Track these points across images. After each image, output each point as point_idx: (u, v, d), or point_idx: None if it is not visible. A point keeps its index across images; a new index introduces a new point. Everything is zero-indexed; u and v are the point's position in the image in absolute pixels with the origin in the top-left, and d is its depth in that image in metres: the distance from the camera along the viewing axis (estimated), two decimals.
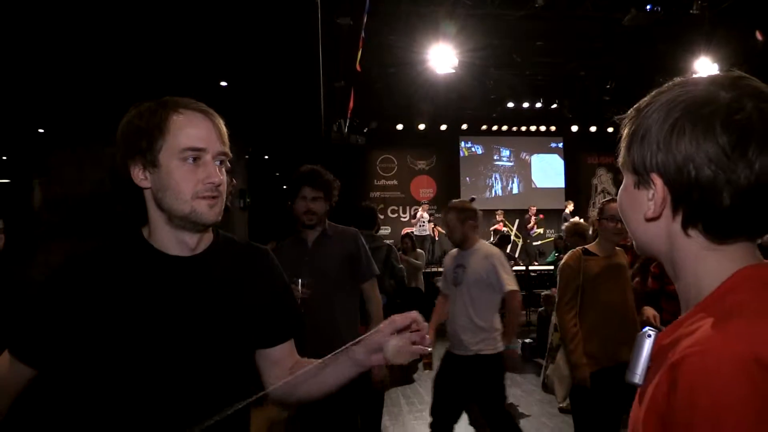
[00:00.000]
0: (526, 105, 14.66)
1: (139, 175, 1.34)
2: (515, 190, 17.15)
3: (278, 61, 7.47)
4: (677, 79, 0.89)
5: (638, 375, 0.88)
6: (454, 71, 10.62)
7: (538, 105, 14.69)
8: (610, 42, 11.42)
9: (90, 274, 1.34)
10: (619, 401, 3.51)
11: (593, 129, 15.97)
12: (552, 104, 14.79)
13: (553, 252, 11.67)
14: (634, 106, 0.93)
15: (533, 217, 15.03)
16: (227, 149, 1.38)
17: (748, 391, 0.68)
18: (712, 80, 0.85)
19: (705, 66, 11.04)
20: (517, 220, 16.20)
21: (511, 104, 14.60)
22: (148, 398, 1.31)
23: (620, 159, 0.94)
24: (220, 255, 1.46)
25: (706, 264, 0.85)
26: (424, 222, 14.46)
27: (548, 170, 17.22)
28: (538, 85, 13.91)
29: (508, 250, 9.61)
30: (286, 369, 1.53)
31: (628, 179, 0.93)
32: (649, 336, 0.89)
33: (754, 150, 0.78)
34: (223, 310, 1.40)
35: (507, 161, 17.16)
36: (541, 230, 15.74)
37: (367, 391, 3.34)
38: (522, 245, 15.74)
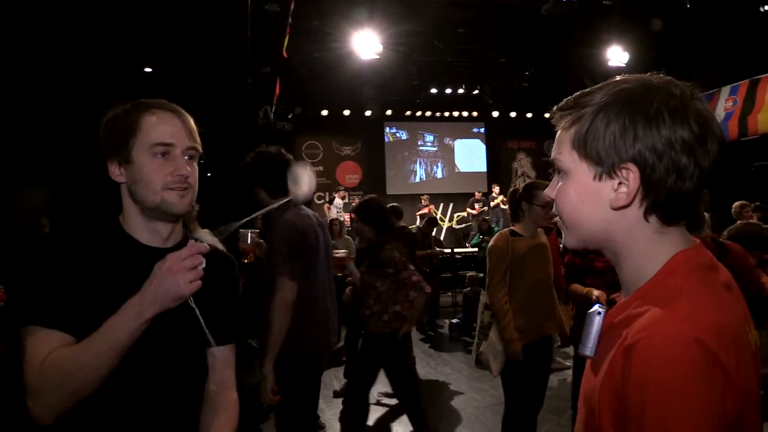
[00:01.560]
0: (448, 91, 14.90)
1: (116, 171, 1.45)
2: (439, 175, 17.45)
3: (204, 47, 7.32)
4: (611, 80, 0.97)
5: (590, 348, 1.00)
6: (378, 57, 10.70)
7: (461, 91, 14.95)
8: (528, 30, 11.78)
9: (72, 250, 1.40)
10: (545, 371, 3.73)
11: (513, 114, 16.47)
12: (474, 90, 15.08)
13: (477, 234, 12.00)
14: (569, 105, 0.98)
15: (477, 203, 15.34)
16: (197, 144, 1.48)
17: (690, 367, 0.81)
18: (656, 77, 0.95)
19: (617, 54, 11.62)
20: (441, 204, 16.52)
21: (434, 90, 14.81)
22: (110, 381, 1.32)
23: (563, 157, 0.99)
24: None
25: (654, 246, 0.95)
26: (340, 209, 14.44)
27: (471, 155, 17.60)
28: (460, 71, 14.16)
29: (434, 233, 9.79)
30: (223, 380, 1.61)
31: (581, 173, 0.97)
32: (599, 314, 1.00)
33: (711, 140, 0.90)
34: (185, 303, 1.44)
35: (431, 146, 17.42)
36: (465, 213, 16.13)
37: (306, 378, 3.27)
38: (447, 228, 16.14)
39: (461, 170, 17.56)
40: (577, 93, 0.98)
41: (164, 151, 1.42)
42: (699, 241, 0.99)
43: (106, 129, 1.45)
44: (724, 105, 11.56)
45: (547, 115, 1.04)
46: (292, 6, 7.53)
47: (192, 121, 1.49)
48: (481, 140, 17.66)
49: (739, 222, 3.40)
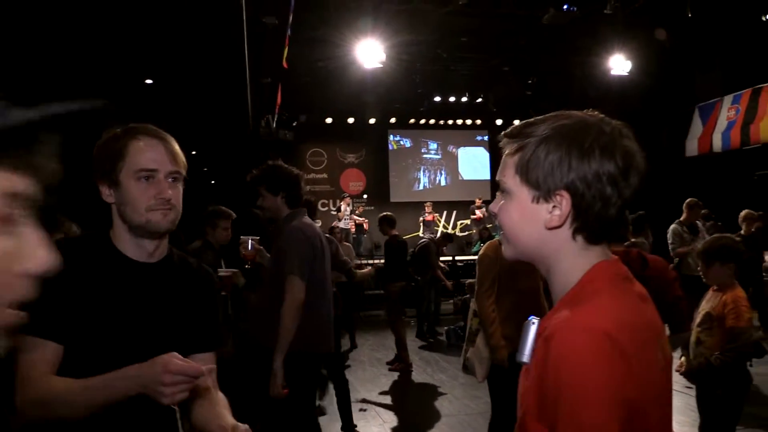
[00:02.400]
0: (452, 99, 14.98)
1: (106, 192, 1.58)
2: (443, 183, 17.52)
3: (203, 59, 7.42)
4: (554, 113, 1.08)
5: (526, 355, 1.08)
6: (381, 66, 10.79)
7: (464, 99, 15.04)
8: (531, 39, 11.85)
9: (66, 262, 1.46)
10: None
11: (517, 122, 16.28)
12: (477, 98, 15.15)
13: (479, 242, 12.04)
14: (516, 134, 1.09)
15: (477, 209, 15.29)
16: (180, 168, 1.60)
17: (598, 357, 0.92)
18: (591, 115, 1.06)
19: (619, 63, 11.64)
20: (445, 212, 16.57)
21: (437, 98, 14.89)
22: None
23: (507, 179, 1.09)
24: (173, 267, 1.68)
25: (578, 261, 1.06)
26: (347, 215, 14.53)
27: (474, 163, 17.67)
28: (463, 79, 14.24)
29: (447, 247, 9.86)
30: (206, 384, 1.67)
31: (521, 195, 1.07)
32: (533, 323, 1.09)
33: (633, 174, 1.02)
34: (168, 314, 1.62)
35: (435, 154, 17.50)
36: (468, 221, 16.17)
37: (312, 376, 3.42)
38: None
39: (465, 178, 17.62)
40: (523, 122, 1.10)
41: (148, 176, 1.53)
42: (617, 257, 1.10)
43: (98, 153, 1.57)
44: (727, 114, 11.58)
45: None
46: (291, 18, 7.61)
47: (176, 146, 1.60)
48: (485, 148, 17.71)
49: (714, 235, 3.49)
